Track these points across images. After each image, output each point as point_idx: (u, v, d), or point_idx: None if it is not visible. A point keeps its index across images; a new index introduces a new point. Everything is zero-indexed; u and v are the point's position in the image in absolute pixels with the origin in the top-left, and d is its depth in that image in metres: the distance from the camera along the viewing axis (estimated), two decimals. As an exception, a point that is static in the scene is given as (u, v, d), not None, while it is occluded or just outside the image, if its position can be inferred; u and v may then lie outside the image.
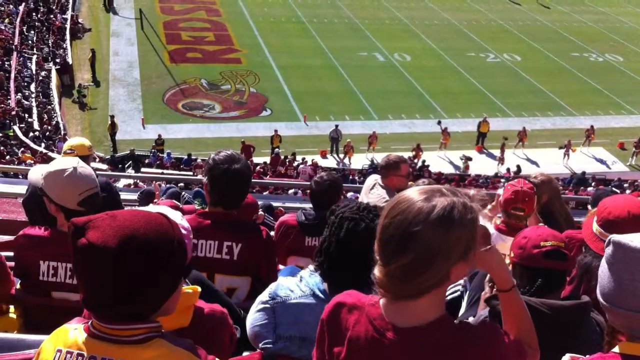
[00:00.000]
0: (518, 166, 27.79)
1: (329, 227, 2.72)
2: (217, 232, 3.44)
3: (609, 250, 2.05)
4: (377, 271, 1.86)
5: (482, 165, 28.94)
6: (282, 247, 4.52)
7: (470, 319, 3.05)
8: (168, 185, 10.95)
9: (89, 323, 1.86)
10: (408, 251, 1.77)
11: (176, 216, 2.48)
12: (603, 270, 2.06)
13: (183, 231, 2.39)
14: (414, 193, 1.85)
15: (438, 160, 29.01)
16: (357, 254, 2.58)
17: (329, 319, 2.07)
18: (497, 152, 29.57)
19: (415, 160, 27.19)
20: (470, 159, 28.58)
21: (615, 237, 2.03)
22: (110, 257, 1.73)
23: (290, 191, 16.70)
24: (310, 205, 4.85)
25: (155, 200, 6.60)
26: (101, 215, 1.83)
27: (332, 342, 2.03)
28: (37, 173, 3.49)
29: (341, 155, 28.94)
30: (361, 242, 2.58)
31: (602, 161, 30.64)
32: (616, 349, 2.06)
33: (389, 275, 1.82)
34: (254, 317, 2.72)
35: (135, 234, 1.77)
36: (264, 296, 2.76)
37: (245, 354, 2.79)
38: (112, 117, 28.03)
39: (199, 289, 2.48)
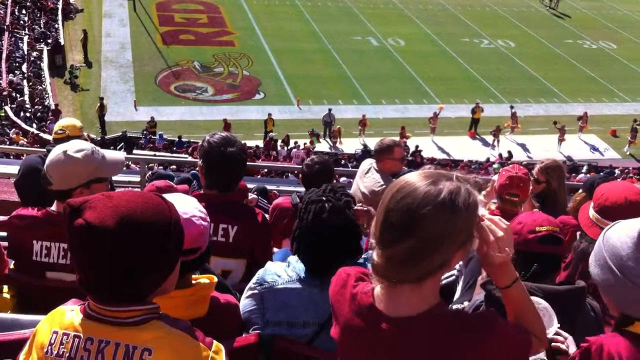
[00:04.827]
0: (509, 152, 27.87)
1: (298, 214, 2.73)
2: (213, 215, 3.40)
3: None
4: (375, 256, 1.83)
5: (474, 151, 28.98)
6: (276, 231, 4.52)
7: (466, 304, 3.07)
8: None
9: (86, 304, 1.85)
10: (414, 234, 1.75)
11: (192, 201, 2.48)
12: (627, 246, 2.06)
13: (201, 214, 2.41)
14: (417, 177, 1.83)
15: (431, 146, 29.02)
16: (327, 236, 2.59)
17: (331, 298, 2.08)
18: (490, 138, 29.67)
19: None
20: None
21: None
22: (108, 236, 1.71)
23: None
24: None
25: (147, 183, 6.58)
26: (97, 196, 1.81)
27: (334, 321, 2.04)
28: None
29: (334, 140, 28.90)
30: (329, 222, 2.60)
31: (594, 148, 30.72)
32: (631, 328, 2.08)
33: (389, 259, 1.79)
34: (243, 304, 2.74)
35: (132, 213, 1.75)
36: (251, 282, 2.77)
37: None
38: (102, 98, 27.90)
39: (216, 279, 2.48)
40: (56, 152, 3.20)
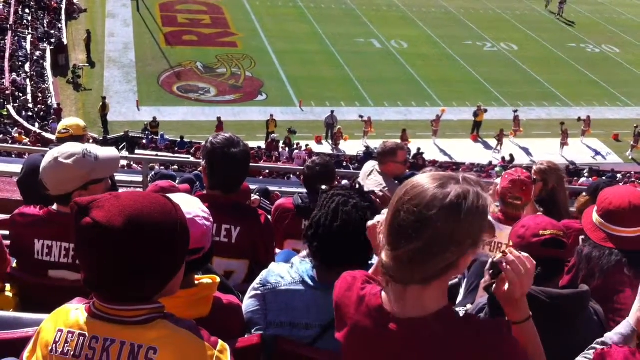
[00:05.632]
0: (511, 155, 27.86)
1: (319, 203, 2.74)
2: (215, 215, 3.40)
3: None
4: (384, 255, 1.83)
5: (476, 154, 28.97)
6: (278, 231, 4.51)
7: (469, 306, 3.06)
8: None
9: (91, 303, 1.85)
10: (420, 236, 1.75)
11: (195, 201, 2.48)
12: None
13: (204, 214, 2.41)
14: (427, 179, 1.82)
15: (433, 148, 29.01)
16: (343, 228, 2.59)
17: (335, 301, 2.07)
18: (492, 142, 29.68)
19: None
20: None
21: None
22: (115, 236, 1.72)
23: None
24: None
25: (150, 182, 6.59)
26: (105, 196, 1.82)
27: (338, 324, 2.04)
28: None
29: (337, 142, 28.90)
30: (349, 217, 2.61)
31: (596, 152, 30.70)
32: None
33: (397, 260, 1.79)
34: (246, 304, 2.74)
35: (140, 214, 1.76)
36: (255, 283, 2.77)
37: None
38: (104, 98, 27.95)
39: (218, 279, 2.48)
40: (48, 159, 3.17)
